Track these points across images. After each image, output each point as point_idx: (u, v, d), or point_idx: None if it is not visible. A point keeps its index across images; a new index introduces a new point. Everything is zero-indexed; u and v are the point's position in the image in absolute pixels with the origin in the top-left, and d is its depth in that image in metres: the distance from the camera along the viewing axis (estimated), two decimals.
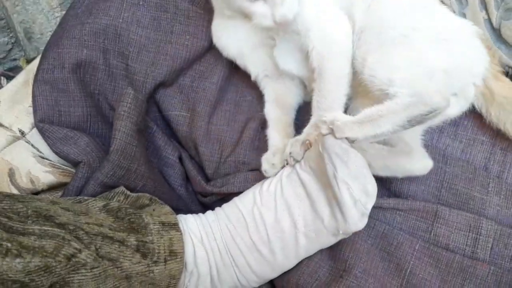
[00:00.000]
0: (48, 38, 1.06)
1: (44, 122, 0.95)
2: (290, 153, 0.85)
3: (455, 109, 0.89)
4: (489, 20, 1.03)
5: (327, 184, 0.79)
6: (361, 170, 0.78)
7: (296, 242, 0.83)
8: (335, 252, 0.87)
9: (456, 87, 0.86)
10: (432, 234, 0.88)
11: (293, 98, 0.98)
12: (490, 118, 0.91)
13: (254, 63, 0.96)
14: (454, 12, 1.04)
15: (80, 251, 0.66)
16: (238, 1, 0.84)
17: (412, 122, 0.77)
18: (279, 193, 0.84)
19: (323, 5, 0.89)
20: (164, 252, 0.78)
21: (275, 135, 0.92)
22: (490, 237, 0.86)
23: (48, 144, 0.94)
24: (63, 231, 0.67)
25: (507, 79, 0.91)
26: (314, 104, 0.87)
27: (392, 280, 0.85)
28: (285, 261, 0.85)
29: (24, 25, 1.24)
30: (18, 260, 0.59)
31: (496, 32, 1.02)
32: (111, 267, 0.71)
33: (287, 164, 0.86)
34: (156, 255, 0.77)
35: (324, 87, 0.85)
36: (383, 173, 0.88)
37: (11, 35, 1.26)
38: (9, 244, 0.59)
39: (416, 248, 0.86)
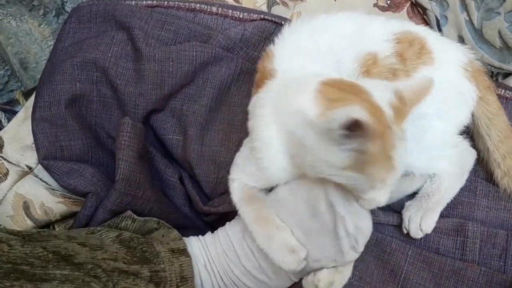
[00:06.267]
0: (43, 67, 1.07)
1: (48, 159, 0.97)
2: None
3: None
4: (470, 21, 1.04)
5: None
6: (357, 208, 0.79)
7: None
8: None
9: None
10: (423, 240, 0.91)
11: None
12: None
13: None
14: (436, 16, 1.05)
15: None
16: None
17: None
18: None
19: None
20: (176, 279, 0.80)
21: None
22: (477, 239, 0.89)
23: (55, 179, 0.97)
24: (82, 273, 0.69)
25: None
26: None
27: (387, 286, 0.88)
28: (281, 282, 0.86)
29: (19, 56, 1.26)
30: None
31: (478, 33, 1.04)
32: None
33: None
34: (168, 282, 0.79)
35: None
36: None
37: (6, 67, 1.28)
38: None
39: (409, 254, 0.89)
